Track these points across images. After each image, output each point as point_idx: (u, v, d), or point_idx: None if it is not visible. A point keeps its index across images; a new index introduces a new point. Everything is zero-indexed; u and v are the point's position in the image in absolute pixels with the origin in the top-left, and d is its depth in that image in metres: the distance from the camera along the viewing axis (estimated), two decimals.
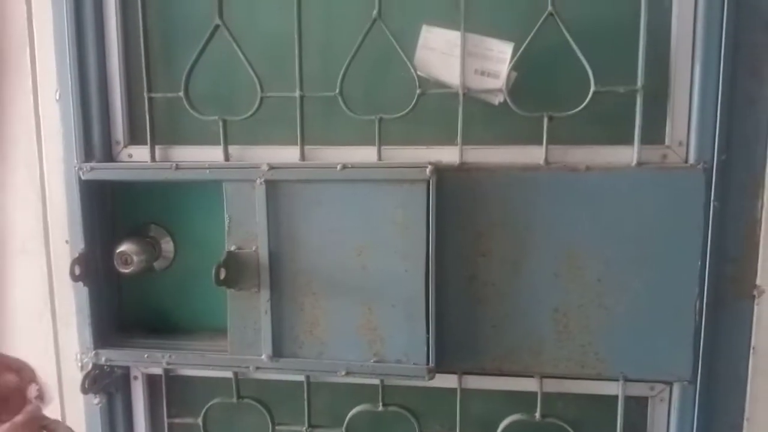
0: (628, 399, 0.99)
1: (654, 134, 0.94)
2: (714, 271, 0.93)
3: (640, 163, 0.93)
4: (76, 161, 1.03)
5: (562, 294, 0.97)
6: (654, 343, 0.96)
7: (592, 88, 0.92)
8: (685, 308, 0.95)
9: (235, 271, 0.99)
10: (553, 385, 1.01)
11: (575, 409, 1.04)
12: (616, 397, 1.00)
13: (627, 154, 0.94)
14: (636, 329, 0.96)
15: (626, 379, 0.98)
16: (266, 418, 1.09)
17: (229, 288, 1.00)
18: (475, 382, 1.03)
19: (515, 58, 0.93)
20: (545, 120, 0.94)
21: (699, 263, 0.93)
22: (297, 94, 0.98)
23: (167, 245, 1.11)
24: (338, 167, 0.95)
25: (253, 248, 0.99)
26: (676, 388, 0.99)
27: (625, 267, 0.95)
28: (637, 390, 1.01)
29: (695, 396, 0.97)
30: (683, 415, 0.99)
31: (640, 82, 0.91)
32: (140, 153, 1.05)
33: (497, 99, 0.95)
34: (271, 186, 0.97)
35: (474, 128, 0.96)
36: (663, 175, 0.93)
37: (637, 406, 1.02)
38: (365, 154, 0.99)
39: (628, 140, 0.93)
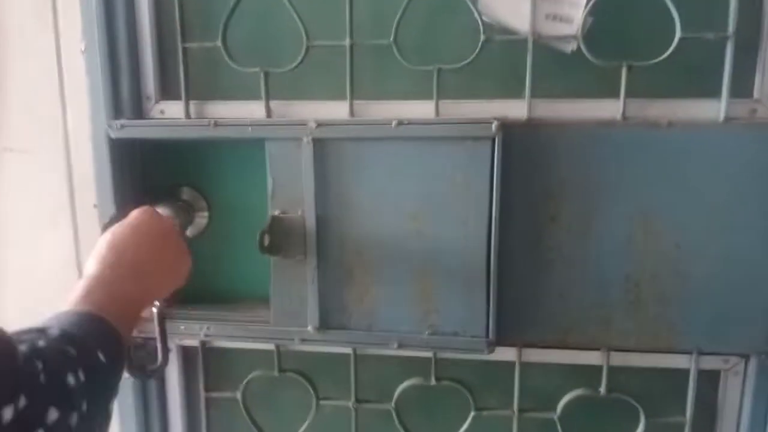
0: (699, 373, 0.93)
1: (742, 87, 0.85)
2: None
3: (727, 119, 0.85)
4: (104, 118, 0.94)
5: (636, 261, 0.89)
6: (732, 314, 0.89)
7: (678, 35, 0.83)
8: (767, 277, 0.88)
9: (280, 237, 0.92)
10: (618, 359, 0.95)
11: (641, 383, 0.97)
12: (687, 371, 0.93)
13: (712, 109, 0.85)
14: (713, 299, 0.89)
15: (700, 353, 0.92)
16: (310, 392, 1.03)
17: (273, 255, 0.93)
18: (535, 355, 0.97)
19: (591, 1, 0.84)
20: (623, 70, 0.85)
21: None
22: (347, 42, 0.89)
23: (202, 210, 1.03)
24: (393, 124, 0.87)
25: (299, 213, 0.92)
26: (753, 362, 0.93)
27: (706, 232, 0.87)
28: (710, 363, 0.94)
29: None
30: (759, 389, 0.92)
31: (731, 28, 0.82)
32: (173, 109, 0.97)
33: (570, 47, 0.86)
34: (319, 145, 0.89)
35: (543, 80, 0.87)
36: (752, 131, 0.85)
37: (709, 381, 0.96)
38: (421, 109, 0.91)
39: (713, 93, 0.85)
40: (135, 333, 0.94)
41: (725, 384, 0.95)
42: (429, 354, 0.98)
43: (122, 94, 0.96)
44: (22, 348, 0.54)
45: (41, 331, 0.58)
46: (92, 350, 0.59)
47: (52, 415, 0.51)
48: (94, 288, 0.68)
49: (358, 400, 1.02)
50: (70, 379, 0.55)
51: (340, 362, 1.01)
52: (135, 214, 0.80)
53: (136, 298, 0.71)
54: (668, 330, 0.91)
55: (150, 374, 0.89)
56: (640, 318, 0.91)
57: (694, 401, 0.94)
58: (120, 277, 0.70)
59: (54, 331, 0.58)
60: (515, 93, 0.88)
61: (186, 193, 1.03)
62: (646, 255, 0.89)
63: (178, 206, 1.01)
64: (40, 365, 0.53)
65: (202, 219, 1.04)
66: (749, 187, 0.85)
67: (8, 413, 0.47)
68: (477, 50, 0.87)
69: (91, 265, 0.72)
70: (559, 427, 0.97)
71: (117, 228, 0.77)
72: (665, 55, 0.84)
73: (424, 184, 0.89)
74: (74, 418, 0.54)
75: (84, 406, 0.55)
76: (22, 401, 0.49)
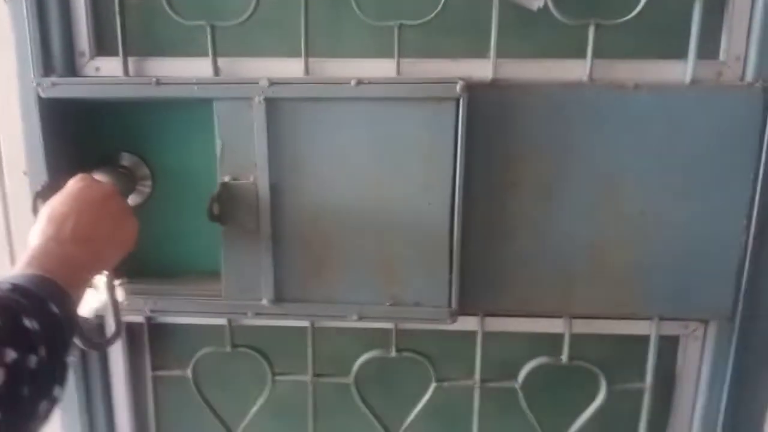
0: (659, 339, 0.93)
1: (708, 48, 0.84)
2: (764, 202, 0.85)
3: (693, 81, 0.83)
4: (33, 75, 0.86)
5: (600, 227, 0.88)
6: (694, 280, 0.89)
7: None
8: (731, 241, 0.87)
9: (231, 205, 0.86)
10: (580, 326, 0.94)
11: (603, 350, 0.97)
12: (647, 337, 0.93)
13: (679, 71, 0.84)
14: (676, 265, 0.89)
15: (661, 318, 0.91)
16: (265, 368, 0.98)
17: (223, 225, 0.87)
18: (497, 324, 0.95)
19: None
20: (591, 29, 0.82)
21: (750, 193, 0.85)
22: None
23: (144, 177, 0.96)
24: (352, 83, 0.82)
25: (251, 179, 0.86)
26: (712, 327, 0.93)
27: (671, 197, 0.86)
28: (670, 329, 0.94)
29: (733, 333, 0.91)
30: (718, 353, 0.93)
31: None
32: (110, 66, 0.89)
33: (537, 3, 0.83)
34: (272, 105, 0.83)
35: (509, 38, 0.84)
36: (717, 94, 0.83)
37: (669, 347, 0.96)
38: (381, 67, 0.86)
39: (680, 54, 0.83)
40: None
41: (685, 349, 0.96)
42: (389, 326, 0.95)
43: (53, 49, 0.88)
44: None
45: None
46: (44, 301, 0.59)
47: (10, 354, 0.52)
48: (38, 256, 0.66)
49: (315, 375, 0.98)
50: (26, 323, 0.55)
51: (296, 336, 0.97)
52: (72, 182, 0.76)
53: (82, 264, 0.69)
54: (630, 296, 0.90)
55: (104, 344, 0.84)
56: (602, 285, 0.90)
57: (654, 367, 0.94)
58: (63, 246, 0.68)
59: (4, 285, 0.58)
60: (479, 52, 0.84)
61: (126, 159, 0.95)
62: (611, 221, 0.87)
63: (119, 173, 0.93)
64: None
65: (144, 187, 0.96)
66: (714, 151, 0.84)
67: None
68: (440, 6, 0.83)
69: (33, 240, 0.70)
70: (520, 395, 0.96)
71: (54, 199, 0.74)
72: (633, 14, 0.81)
73: (385, 148, 0.84)
74: (32, 361, 0.54)
75: (42, 351, 0.55)
76: None
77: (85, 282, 0.70)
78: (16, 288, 0.58)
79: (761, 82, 0.82)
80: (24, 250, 0.67)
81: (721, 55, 0.84)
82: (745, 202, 0.86)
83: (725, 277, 0.88)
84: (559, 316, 0.93)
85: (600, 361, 0.95)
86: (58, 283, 0.62)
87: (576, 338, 0.94)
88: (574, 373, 0.95)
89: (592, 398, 0.97)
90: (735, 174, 0.85)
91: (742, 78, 0.84)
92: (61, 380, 0.58)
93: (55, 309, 0.59)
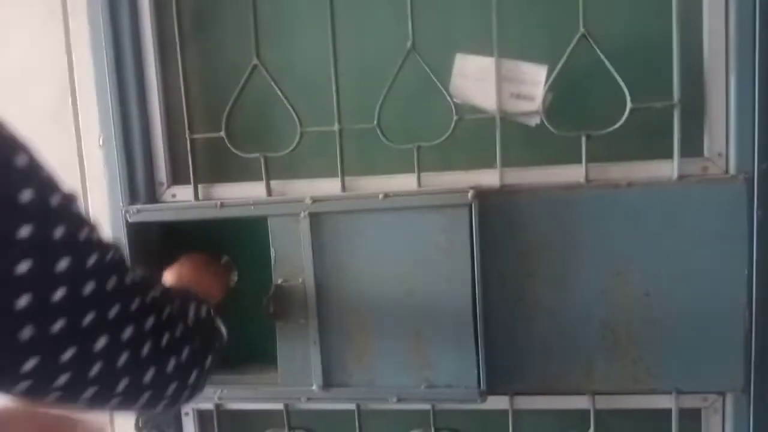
0: (681, 411, 0.99)
1: (693, 147, 0.95)
2: (762, 278, 0.93)
3: (681, 177, 0.93)
4: (122, 204, 1.05)
5: (610, 310, 0.97)
6: (705, 355, 0.96)
7: (629, 106, 0.93)
8: (735, 317, 0.94)
9: (283, 303, 1.01)
10: (605, 402, 1.01)
11: (628, 424, 1.03)
12: (670, 410, 0.99)
13: (667, 168, 0.94)
14: (686, 341, 0.96)
15: (679, 392, 0.98)
16: None
17: (277, 320, 1.01)
18: (526, 402, 1.03)
19: (550, 80, 0.94)
20: (583, 139, 0.95)
21: (746, 272, 0.93)
22: (336, 127, 1.00)
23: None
24: (380, 196, 0.96)
25: (300, 280, 1.01)
26: (730, 399, 0.99)
27: (672, 280, 0.95)
28: (690, 402, 1.00)
29: (749, 405, 0.96)
30: (738, 425, 0.98)
31: (676, 97, 0.92)
32: (183, 192, 1.07)
33: (534, 121, 0.97)
34: (315, 218, 0.99)
35: (512, 150, 0.98)
36: (704, 187, 0.93)
37: (691, 419, 1.01)
38: (405, 181, 1.01)
39: (667, 154, 0.94)
40: None
41: (707, 421, 1.01)
42: (427, 406, 1.05)
43: (137, 182, 1.07)
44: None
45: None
46: (193, 300, 0.70)
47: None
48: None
49: None
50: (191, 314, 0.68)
51: (344, 418, 1.08)
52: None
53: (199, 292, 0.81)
54: (647, 372, 0.98)
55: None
56: (619, 363, 0.98)
57: None
58: (182, 282, 0.92)
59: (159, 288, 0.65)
60: (488, 163, 0.98)
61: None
62: (620, 304, 0.96)
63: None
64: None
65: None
66: (707, 237, 0.93)
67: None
68: (451, 128, 0.98)
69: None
70: None
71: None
72: (619, 124, 0.94)
73: (411, 249, 0.98)
74: (186, 353, 0.62)
75: (197, 341, 0.65)
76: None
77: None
78: (167, 290, 0.66)
79: (743, 174, 0.92)
80: None
81: (705, 152, 0.95)
82: (743, 280, 0.93)
83: (734, 350, 0.95)
84: (583, 393, 1.01)
85: None
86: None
87: (602, 413, 1.01)
88: None
89: None
90: (730, 255, 0.93)
91: (726, 171, 0.94)
92: (201, 369, 0.66)
93: (204, 311, 0.71)
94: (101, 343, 0.53)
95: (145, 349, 0.57)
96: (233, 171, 1.07)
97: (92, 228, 0.54)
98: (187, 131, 1.05)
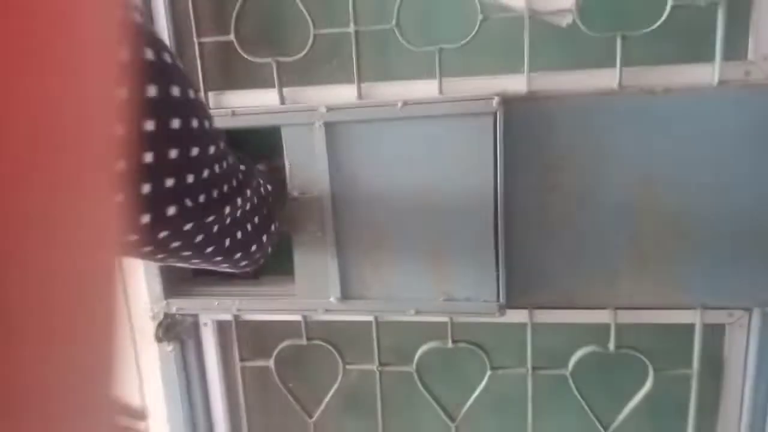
0: (705, 327, 0.97)
1: (736, 49, 0.87)
2: None
3: (721, 82, 0.87)
4: None
5: (639, 223, 0.93)
6: (733, 269, 0.93)
7: (670, 3, 0.85)
8: (767, 231, 0.91)
9: (300, 216, 0.98)
10: (626, 316, 0.99)
11: (649, 339, 1.02)
12: (692, 325, 0.97)
13: (707, 73, 0.88)
14: (716, 256, 0.93)
15: (704, 307, 0.96)
16: (336, 359, 1.10)
17: (293, 233, 0.99)
18: (545, 316, 1.02)
19: None
20: (618, 40, 0.88)
21: None
22: (351, 29, 0.94)
23: None
24: (399, 105, 0.91)
25: (315, 192, 0.98)
26: (756, 315, 0.96)
27: (706, 193, 0.90)
28: (715, 318, 0.98)
29: None
30: (763, 341, 0.96)
31: None
32: None
33: (565, 20, 0.89)
34: (330, 128, 0.94)
35: (541, 53, 0.91)
36: (746, 93, 0.87)
37: (714, 334, 1.00)
38: (426, 87, 0.95)
39: (707, 57, 0.87)
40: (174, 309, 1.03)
41: (730, 337, 0.99)
42: (445, 319, 1.04)
43: None
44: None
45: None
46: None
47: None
48: None
49: (381, 364, 1.09)
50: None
51: (362, 329, 1.08)
52: None
53: None
54: (672, 287, 0.95)
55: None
56: (644, 277, 0.95)
57: (700, 355, 0.98)
58: None
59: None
60: (515, 68, 0.92)
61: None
62: (649, 217, 0.93)
63: None
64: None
65: None
66: (745, 147, 0.88)
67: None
68: (476, 29, 0.91)
69: None
70: (571, 382, 1.03)
71: None
72: (658, 24, 0.86)
73: (431, 159, 0.93)
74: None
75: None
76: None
77: None
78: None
79: None
80: None
81: (749, 55, 0.88)
82: None
83: (764, 266, 0.92)
84: (605, 308, 0.99)
85: (647, 350, 1.01)
86: None
87: (622, 328, 1.00)
88: (623, 361, 1.01)
89: (642, 385, 1.02)
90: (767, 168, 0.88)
91: None
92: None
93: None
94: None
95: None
96: (244, 77, 1.02)
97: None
98: (194, 34, 0.99)
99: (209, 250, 0.67)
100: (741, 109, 0.87)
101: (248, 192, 0.71)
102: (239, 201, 0.68)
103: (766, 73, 0.87)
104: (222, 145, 0.63)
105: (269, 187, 0.81)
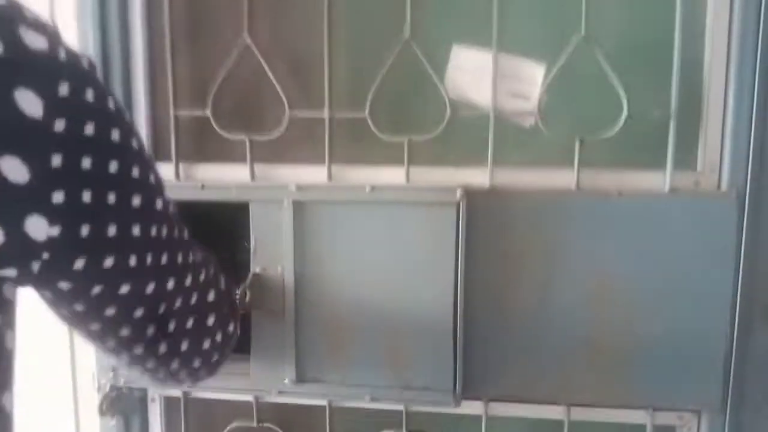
0: (655, 428, 0.97)
1: (687, 160, 0.93)
2: (745, 298, 0.92)
3: (672, 189, 0.92)
4: None
5: (592, 321, 0.95)
6: (683, 372, 0.95)
7: (625, 113, 0.91)
8: (716, 336, 0.93)
9: (261, 293, 0.98)
10: (579, 413, 0.99)
11: None
12: (644, 426, 0.98)
13: (659, 180, 0.93)
14: (666, 357, 0.95)
15: (654, 409, 0.97)
16: None
17: (253, 310, 0.98)
18: (501, 409, 1.01)
19: (548, 80, 0.92)
20: (577, 143, 0.93)
21: (731, 290, 0.92)
22: (326, 114, 0.97)
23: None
24: (367, 189, 0.94)
25: (279, 270, 0.98)
26: (705, 418, 0.97)
27: (656, 294, 0.93)
28: (665, 419, 0.99)
29: (724, 426, 0.95)
30: None
31: (673, 107, 0.90)
32: (164, 170, 1.02)
33: (529, 121, 0.95)
34: (299, 206, 0.96)
35: (504, 150, 0.95)
36: (695, 201, 0.92)
37: None
38: (393, 174, 0.98)
39: (660, 165, 0.93)
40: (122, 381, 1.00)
41: None
42: (400, 407, 1.02)
43: None
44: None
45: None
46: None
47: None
48: None
49: None
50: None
51: (315, 414, 1.05)
52: None
53: None
54: (624, 386, 0.96)
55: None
56: (597, 374, 0.96)
57: None
58: None
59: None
60: (478, 161, 0.96)
61: None
62: (602, 316, 0.95)
63: None
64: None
65: None
66: (695, 252, 0.92)
67: None
68: (444, 124, 0.95)
69: None
70: None
71: None
72: (614, 131, 0.92)
73: (395, 244, 0.95)
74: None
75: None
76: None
77: None
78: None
79: (735, 190, 0.90)
80: None
81: (698, 166, 0.93)
82: (727, 298, 0.92)
83: (713, 369, 0.94)
84: (559, 404, 0.99)
85: None
86: None
87: (576, 425, 0.99)
88: None
89: None
90: (716, 272, 0.92)
91: (718, 186, 0.92)
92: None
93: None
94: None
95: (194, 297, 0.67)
96: (217, 151, 1.03)
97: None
98: (171, 107, 1.02)
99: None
100: (690, 217, 0.91)
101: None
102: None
103: (714, 184, 0.92)
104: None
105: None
